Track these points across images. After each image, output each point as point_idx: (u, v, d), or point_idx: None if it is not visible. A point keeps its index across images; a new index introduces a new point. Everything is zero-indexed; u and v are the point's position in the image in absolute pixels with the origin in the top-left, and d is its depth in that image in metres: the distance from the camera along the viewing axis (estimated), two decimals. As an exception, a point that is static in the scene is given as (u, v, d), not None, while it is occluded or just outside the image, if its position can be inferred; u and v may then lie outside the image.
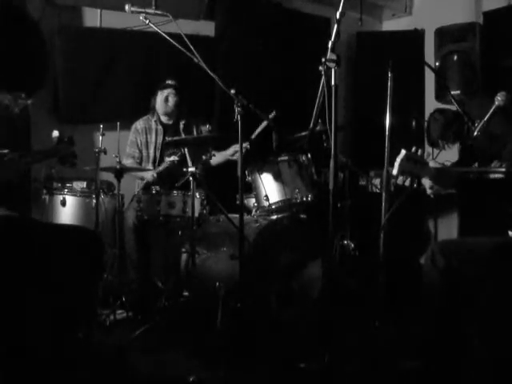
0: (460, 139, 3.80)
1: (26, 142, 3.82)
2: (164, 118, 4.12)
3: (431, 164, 2.24)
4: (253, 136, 3.77)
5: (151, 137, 4.07)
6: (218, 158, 4.05)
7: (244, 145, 3.74)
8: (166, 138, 4.05)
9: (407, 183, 2.40)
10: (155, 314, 3.30)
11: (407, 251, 4.18)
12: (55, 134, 2.73)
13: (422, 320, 2.47)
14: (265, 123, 3.66)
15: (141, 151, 4.07)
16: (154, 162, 4.05)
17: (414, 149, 2.24)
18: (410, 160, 2.18)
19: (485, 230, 2.47)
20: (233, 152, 3.96)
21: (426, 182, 2.32)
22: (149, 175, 3.92)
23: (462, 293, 2.26)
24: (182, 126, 4.12)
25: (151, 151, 4.06)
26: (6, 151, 2.47)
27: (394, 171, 2.22)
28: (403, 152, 2.19)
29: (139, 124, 4.09)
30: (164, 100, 4.03)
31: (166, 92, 4.03)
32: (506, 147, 2.70)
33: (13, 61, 3.67)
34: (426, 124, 4.21)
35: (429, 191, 2.35)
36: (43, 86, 3.95)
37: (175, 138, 4.02)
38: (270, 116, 3.59)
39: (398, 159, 2.19)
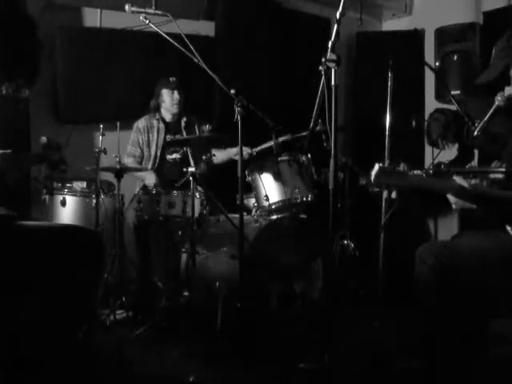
0: (460, 139, 3.79)
1: (25, 142, 3.81)
2: (168, 116, 4.11)
3: (457, 180, 2.28)
4: (256, 150, 3.79)
5: (153, 135, 4.07)
6: (221, 155, 4.06)
7: (248, 151, 3.77)
8: (168, 137, 4.06)
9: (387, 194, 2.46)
10: (155, 314, 3.30)
11: (407, 251, 4.17)
12: (43, 140, 2.68)
13: (419, 319, 2.47)
14: (270, 143, 3.69)
15: (142, 150, 4.06)
16: (154, 161, 4.05)
17: (387, 163, 2.30)
18: (384, 173, 2.26)
19: (485, 230, 2.48)
20: (236, 153, 3.95)
21: (451, 198, 2.38)
22: (150, 181, 3.90)
23: (455, 290, 2.29)
24: (183, 123, 4.12)
25: (153, 150, 4.05)
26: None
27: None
28: (376, 166, 2.27)
29: (141, 123, 4.08)
30: (173, 98, 4.03)
31: (172, 90, 4.02)
32: (505, 147, 2.69)
33: (6, 53, 3.64)
34: (425, 124, 4.20)
35: (454, 206, 2.41)
36: (38, 75, 3.88)
37: (176, 138, 4.02)
38: (278, 141, 3.62)
39: (372, 173, 2.27)
